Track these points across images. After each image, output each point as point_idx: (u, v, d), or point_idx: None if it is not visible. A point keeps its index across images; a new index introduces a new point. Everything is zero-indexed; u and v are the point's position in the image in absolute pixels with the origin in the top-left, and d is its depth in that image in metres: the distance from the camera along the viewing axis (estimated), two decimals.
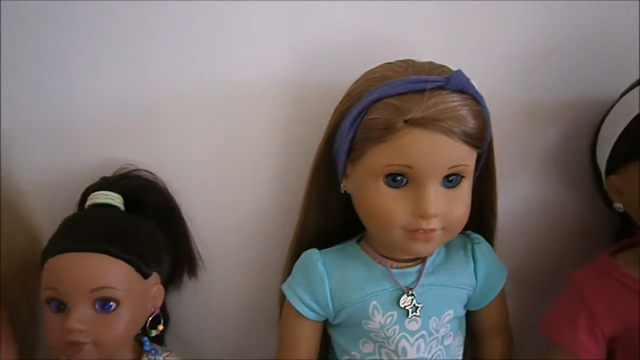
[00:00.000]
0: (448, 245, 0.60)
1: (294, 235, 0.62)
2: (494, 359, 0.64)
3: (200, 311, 0.70)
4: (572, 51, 0.66)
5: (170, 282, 0.66)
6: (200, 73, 0.64)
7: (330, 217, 0.60)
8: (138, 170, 0.64)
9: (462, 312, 0.60)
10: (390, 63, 0.55)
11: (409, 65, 0.53)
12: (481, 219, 0.62)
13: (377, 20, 0.63)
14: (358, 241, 0.60)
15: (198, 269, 0.67)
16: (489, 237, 0.62)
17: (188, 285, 0.68)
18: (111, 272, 0.55)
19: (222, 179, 0.67)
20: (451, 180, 0.52)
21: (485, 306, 0.61)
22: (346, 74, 0.57)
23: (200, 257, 0.67)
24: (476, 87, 0.54)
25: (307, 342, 0.59)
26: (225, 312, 0.70)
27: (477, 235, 0.61)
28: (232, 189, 0.67)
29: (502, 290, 0.62)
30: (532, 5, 0.64)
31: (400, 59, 0.56)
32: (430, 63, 0.54)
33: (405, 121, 0.49)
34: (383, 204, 0.52)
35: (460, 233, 0.60)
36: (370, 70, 0.55)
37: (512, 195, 0.68)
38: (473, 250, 0.59)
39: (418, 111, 0.49)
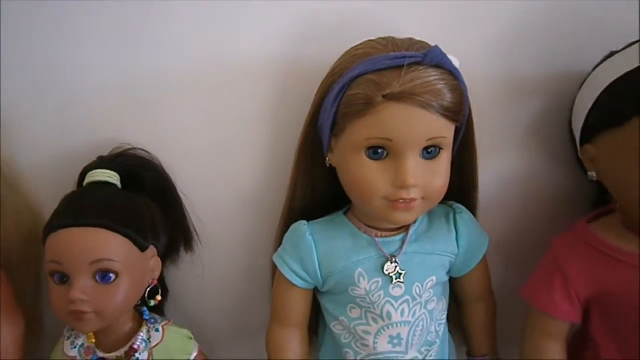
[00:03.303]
0: (431, 215, 0.62)
1: (284, 208, 0.65)
2: (477, 323, 0.67)
3: (198, 283, 0.73)
4: (552, 26, 0.67)
5: (168, 255, 0.69)
6: (194, 55, 0.66)
7: (317, 190, 0.63)
8: (134, 149, 0.67)
9: (445, 279, 0.63)
10: (372, 40, 0.57)
11: (389, 42, 0.55)
12: (463, 190, 0.64)
13: (365, 2, 0.65)
14: (345, 213, 0.63)
15: (194, 243, 0.70)
16: (472, 207, 0.65)
17: (185, 259, 0.71)
18: (110, 245, 0.58)
19: (216, 156, 0.69)
20: (430, 152, 0.54)
21: (468, 273, 0.64)
22: (335, 54, 0.59)
23: (195, 231, 0.70)
24: (454, 62, 0.56)
25: (298, 308, 0.62)
26: (221, 283, 0.73)
27: (460, 205, 0.63)
28: (225, 165, 0.70)
29: (484, 257, 0.64)
30: None
31: (382, 36, 0.58)
32: (410, 39, 0.56)
33: (384, 96, 0.51)
34: (365, 175, 0.54)
35: (443, 203, 0.63)
36: (353, 47, 0.57)
37: (495, 167, 0.70)
38: (455, 219, 0.62)
39: (396, 86, 0.51)
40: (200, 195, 0.70)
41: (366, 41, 0.57)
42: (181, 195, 0.69)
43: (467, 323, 0.68)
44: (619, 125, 0.53)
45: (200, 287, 0.73)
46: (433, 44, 0.57)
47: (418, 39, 0.57)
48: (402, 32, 0.59)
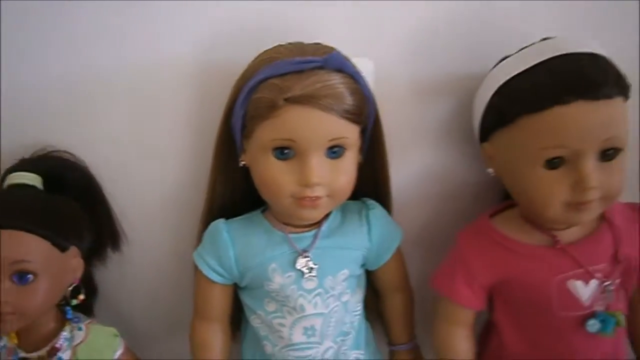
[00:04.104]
0: (344, 211, 0.65)
1: (204, 207, 0.67)
2: (395, 313, 0.71)
3: (127, 281, 0.75)
4: (464, 29, 0.70)
5: (95, 255, 0.71)
6: (120, 59, 0.67)
7: (236, 189, 0.65)
8: (58, 151, 0.68)
9: (359, 271, 0.66)
10: (281, 45, 0.59)
11: (295, 47, 0.57)
12: (377, 187, 0.67)
13: (280, 4, 0.68)
14: (262, 211, 0.65)
15: (121, 242, 0.72)
16: (386, 203, 0.68)
17: (114, 258, 0.73)
18: (27, 246, 0.58)
19: (141, 158, 0.71)
20: (335, 151, 0.57)
21: (383, 265, 0.67)
22: (253, 56, 0.61)
23: (123, 231, 0.72)
24: (365, 66, 0.59)
25: (218, 304, 0.65)
26: (150, 281, 0.75)
27: (373, 202, 0.66)
28: (150, 166, 0.71)
29: (399, 250, 0.68)
30: None
31: (301, 40, 0.61)
32: (317, 45, 0.59)
33: (285, 99, 0.54)
34: (272, 175, 0.57)
35: (358, 200, 0.66)
36: (262, 52, 0.59)
37: (411, 165, 0.73)
38: (367, 214, 0.65)
39: (297, 90, 0.53)
40: (127, 195, 0.71)
41: (275, 46, 0.59)
42: (108, 196, 0.70)
43: (386, 314, 0.71)
44: (507, 125, 0.57)
45: (129, 285, 0.75)
46: (347, 47, 0.60)
47: (325, 43, 0.60)
48: (317, 35, 0.62)
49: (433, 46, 0.70)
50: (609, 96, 0.53)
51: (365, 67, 0.65)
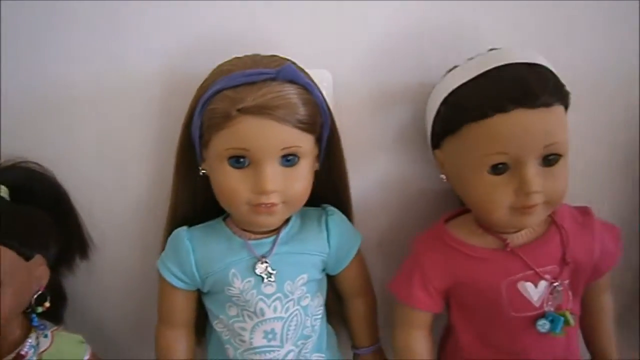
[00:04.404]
0: (304, 218, 0.67)
1: (167, 215, 0.68)
2: (358, 317, 0.72)
3: (95, 288, 0.76)
4: (421, 38, 0.72)
5: (62, 263, 0.72)
6: (86, 69, 0.69)
7: (198, 197, 0.66)
8: (25, 162, 0.69)
9: (319, 276, 0.67)
10: (238, 57, 0.61)
11: (250, 59, 0.59)
12: (336, 194, 0.69)
13: (242, 17, 0.70)
14: (224, 218, 0.67)
15: (89, 251, 0.73)
16: (346, 209, 0.70)
17: (83, 266, 0.74)
18: None
19: (108, 167, 0.73)
20: (289, 160, 0.59)
21: (344, 270, 0.69)
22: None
23: (91, 240, 0.73)
24: (324, 76, 0.61)
25: (181, 309, 0.66)
26: (117, 288, 0.77)
27: (332, 208, 0.68)
28: (118, 175, 0.73)
29: (359, 255, 0.70)
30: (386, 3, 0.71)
31: (263, 52, 0.63)
32: (272, 56, 0.61)
33: (238, 110, 0.56)
34: (228, 183, 0.59)
35: (318, 206, 0.68)
36: (221, 64, 0.61)
37: (371, 172, 0.75)
38: (327, 220, 0.67)
39: (249, 101, 0.56)
40: (95, 205, 0.73)
41: (232, 58, 0.61)
42: (76, 205, 0.71)
43: (349, 317, 0.73)
44: (454, 133, 0.59)
45: (98, 292, 0.76)
46: (306, 58, 0.62)
47: (283, 55, 0.62)
48: (277, 47, 0.64)
49: (389, 57, 0.72)
50: (547, 104, 0.55)
51: (323, 78, 0.68)
